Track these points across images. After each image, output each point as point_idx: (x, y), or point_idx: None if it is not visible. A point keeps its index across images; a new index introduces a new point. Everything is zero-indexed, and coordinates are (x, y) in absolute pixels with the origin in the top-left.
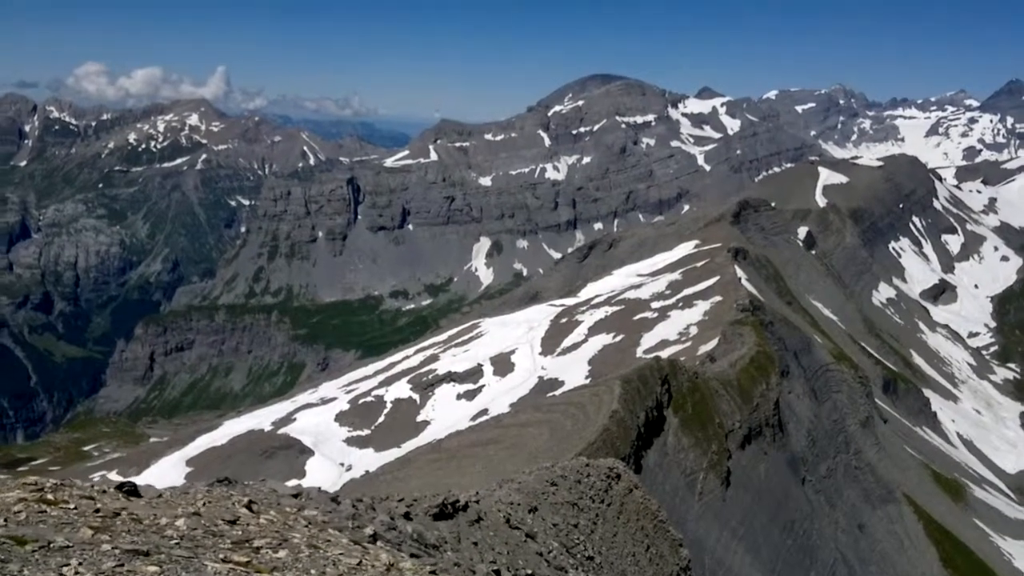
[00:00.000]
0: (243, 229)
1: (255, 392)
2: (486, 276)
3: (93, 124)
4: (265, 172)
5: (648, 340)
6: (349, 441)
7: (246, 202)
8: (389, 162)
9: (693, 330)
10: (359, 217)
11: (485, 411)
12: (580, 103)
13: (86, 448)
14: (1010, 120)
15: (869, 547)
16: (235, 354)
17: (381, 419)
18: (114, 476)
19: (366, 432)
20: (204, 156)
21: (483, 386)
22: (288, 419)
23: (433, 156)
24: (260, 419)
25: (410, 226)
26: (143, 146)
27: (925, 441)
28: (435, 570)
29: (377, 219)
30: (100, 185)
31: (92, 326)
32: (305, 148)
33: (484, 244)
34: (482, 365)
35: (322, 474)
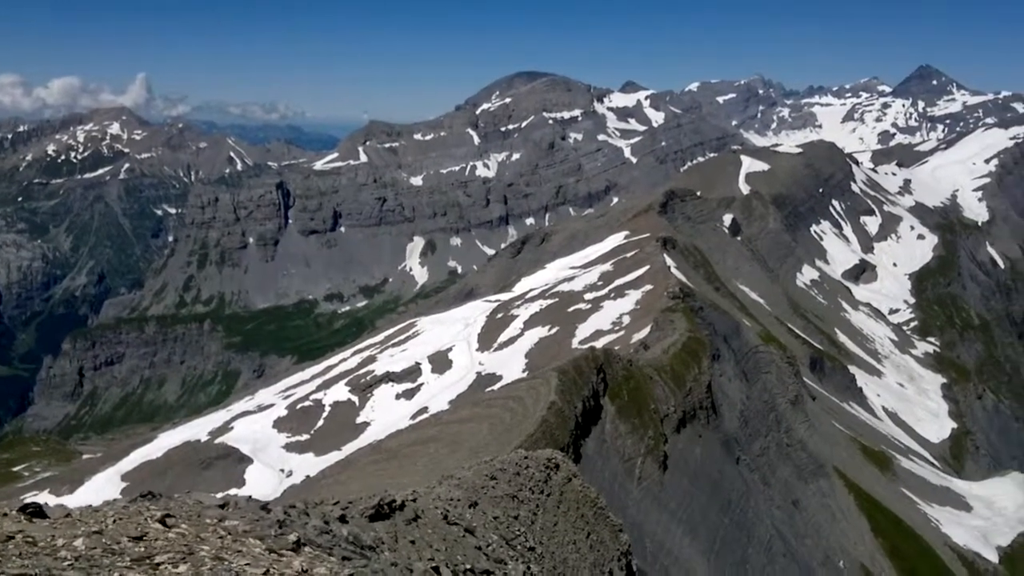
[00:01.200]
0: (171, 238)
1: (190, 403)
2: (421, 275)
3: (9, 136)
4: (191, 179)
5: (583, 331)
6: (288, 447)
7: (172, 211)
8: (318, 165)
9: (626, 319)
10: (290, 221)
11: (425, 409)
12: (507, 100)
13: (16, 469)
14: (921, 104)
15: (803, 521)
16: (167, 365)
17: (320, 423)
18: (46, 496)
19: (305, 437)
20: (127, 165)
21: (422, 385)
22: (225, 428)
23: (363, 158)
24: (196, 430)
25: (342, 228)
26: (63, 157)
27: (852, 416)
28: (354, 572)
29: (308, 223)
30: (19, 199)
31: (17, 343)
32: (232, 154)
33: (418, 243)
34: (420, 364)
35: (262, 482)
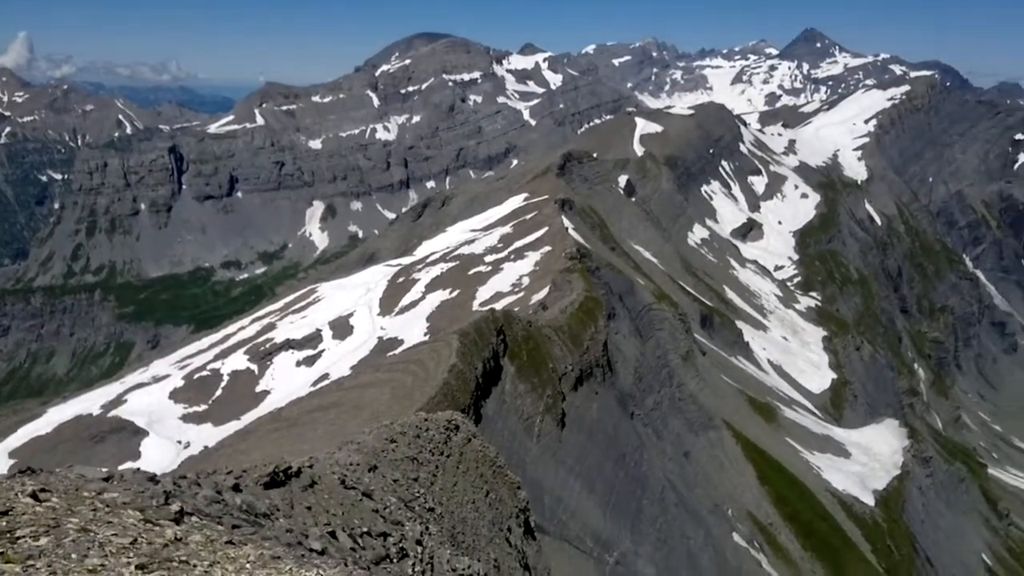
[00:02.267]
0: (57, 205)
1: (81, 376)
2: (321, 240)
3: None
4: (78, 143)
5: (483, 293)
6: (186, 418)
7: (58, 176)
8: (213, 128)
9: (525, 281)
10: (184, 187)
11: (326, 376)
12: (407, 62)
13: None
14: (806, 67)
15: (694, 472)
16: (56, 338)
17: (219, 393)
18: None
19: (203, 407)
20: (8, 129)
21: (323, 351)
22: (119, 401)
23: (260, 120)
24: (88, 403)
25: (239, 194)
26: None
27: (740, 369)
28: (233, 540)
29: (204, 188)
30: None
31: None
32: (121, 117)
33: (317, 208)
34: (320, 330)
35: (158, 454)
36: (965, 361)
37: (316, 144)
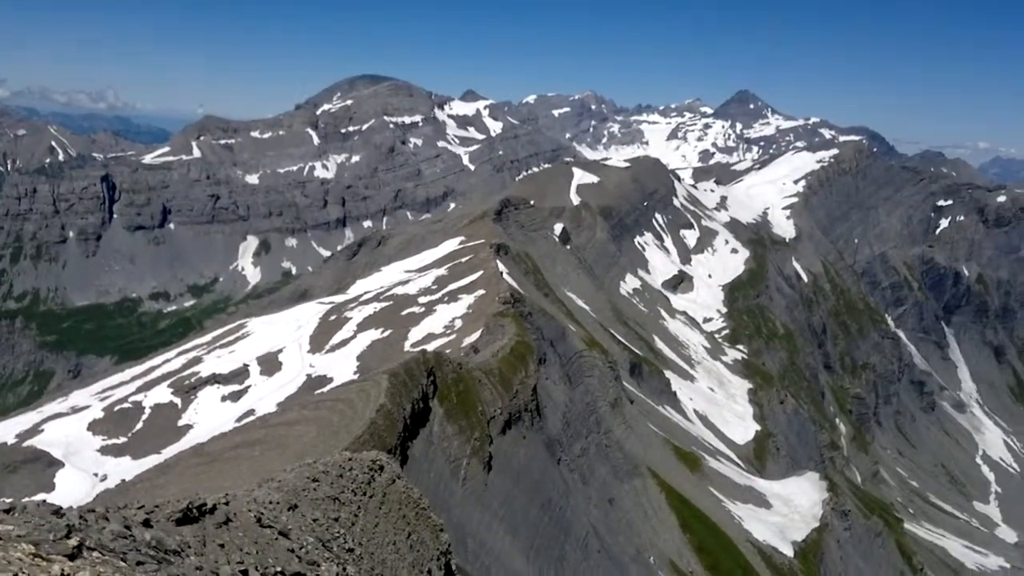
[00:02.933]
0: None
1: None
2: (253, 275)
3: None
4: (8, 168)
5: (415, 334)
6: (104, 450)
7: None
8: (148, 159)
9: (458, 323)
10: (115, 216)
11: (251, 412)
12: (349, 102)
13: None
14: (739, 126)
15: (618, 519)
16: None
17: (139, 426)
18: None
19: (123, 440)
20: None
21: (249, 387)
22: (35, 430)
23: (196, 153)
24: (2, 432)
25: (172, 225)
26: None
27: (666, 418)
28: None
29: (135, 218)
30: None
31: None
32: (54, 143)
33: (251, 243)
34: (248, 365)
35: (73, 486)
36: (885, 418)
37: (253, 179)
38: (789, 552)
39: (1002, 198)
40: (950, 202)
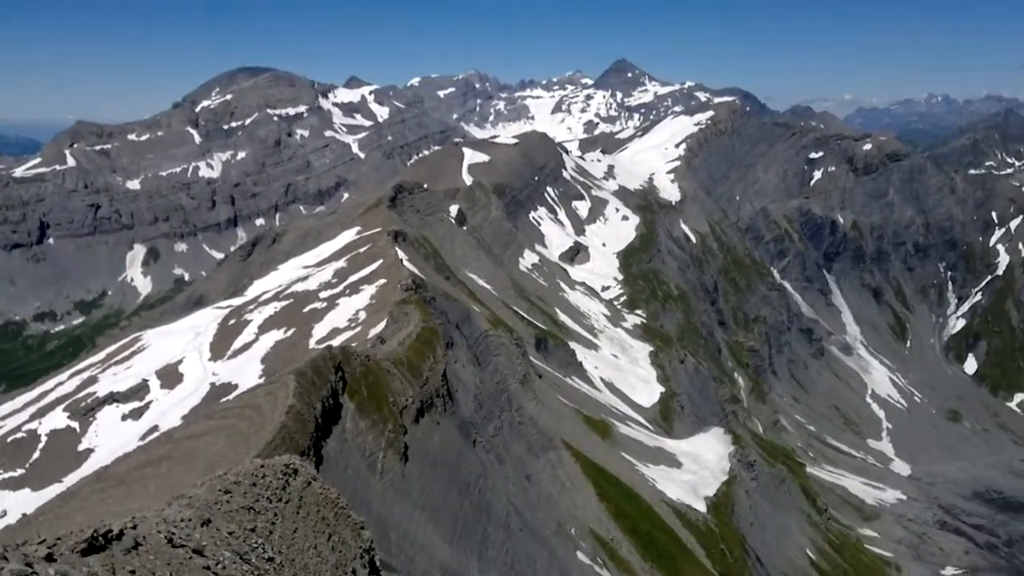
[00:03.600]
0: None
1: None
2: (144, 285)
3: None
4: None
5: (320, 330)
6: (0, 485)
7: None
8: (19, 172)
9: (362, 315)
10: None
11: (155, 428)
12: (228, 97)
13: None
14: (619, 95)
15: (536, 494)
16: None
17: (36, 455)
18: None
19: (20, 472)
20: None
21: (150, 402)
22: None
23: (71, 162)
24: None
25: (51, 240)
26: None
27: (575, 389)
28: None
29: (10, 236)
30: None
31: None
32: None
33: (139, 252)
34: (147, 380)
35: None
36: (779, 367)
37: (134, 184)
38: (702, 508)
39: (868, 146)
40: (821, 154)
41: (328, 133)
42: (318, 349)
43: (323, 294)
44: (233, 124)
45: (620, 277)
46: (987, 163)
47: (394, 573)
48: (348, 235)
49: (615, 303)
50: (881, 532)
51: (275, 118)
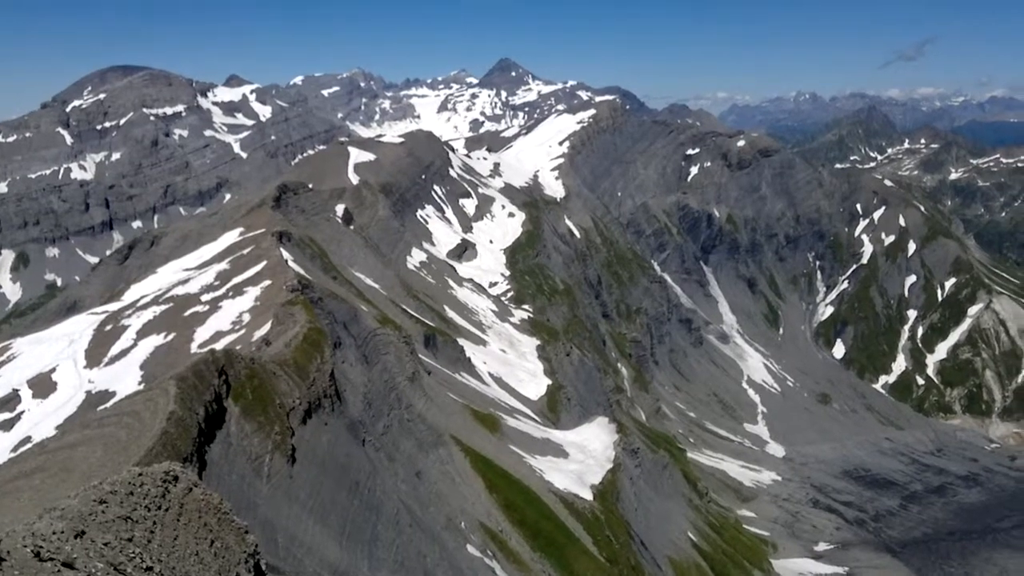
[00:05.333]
0: None
1: None
2: (13, 292)
3: None
4: None
5: (202, 334)
6: None
7: None
8: None
9: (246, 317)
10: None
11: (28, 439)
12: (102, 96)
13: None
14: (504, 94)
15: (427, 490)
16: None
17: None
18: None
19: None
20: None
21: (22, 413)
22: None
23: None
24: None
25: None
26: None
27: (464, 385)
28: None
29: None
30: None
31: None
32: None
33: (7, 257)
34: (18, 390)
35: None
36: (660, 356)
37: (1, 187)
38: (588, 496)
39: (741, 142)
40: (697, 150)
41: (208, 133)
42: (200, 353)
43: (205, 297)
44: (107, 124)
45: (507, 273)
46: (852, 157)
47: None
48: (231, 236)
49: (502, 299)
50: (758, 512)
51: (151, 118)
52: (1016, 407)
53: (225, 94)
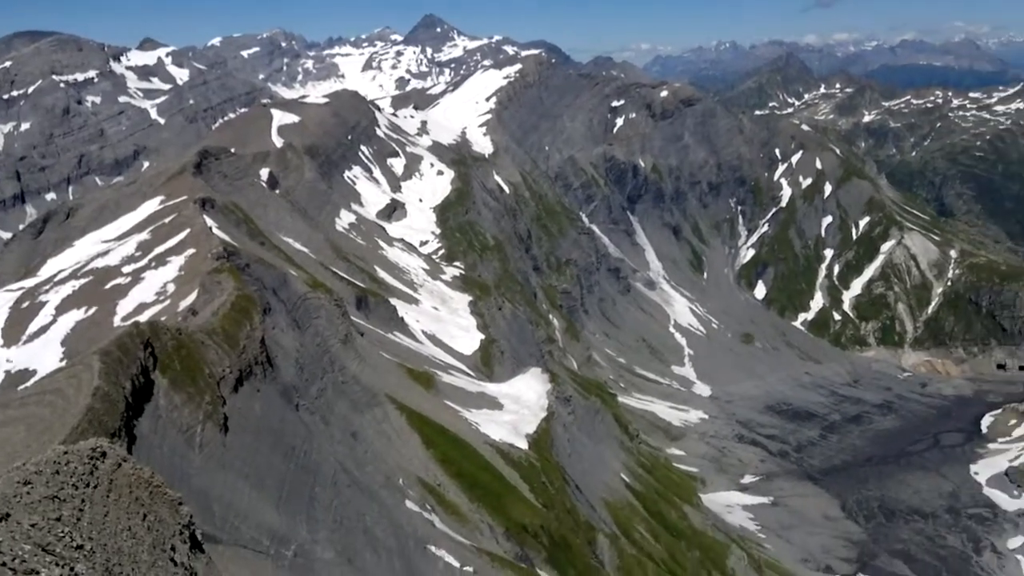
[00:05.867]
0: None
1: None
2: None
3: None
4: None
5: (125, 306)
6: None
7: None
8: None
9: (171, 287)
10: None
11: None
12: (7, 64)
13: None
14: (429, 51)
15: (363, 450)
16: None
17: None
18: None
19: None
20: None
21: None
22: None
23: None
24: None
25: None
26: None
27: (397, 344)
28: None
29: None
30: None
31: None
32: None
33: None
34: None
35: None
36: (590, 306)
37: None
38: (524, 445)
39: (664, 93)
40: (622, 102)
41: (123, 99)
42: (124, 326)
43: (126, 268)
44: (14, 93)
45: (437, 231)
46: (771, 104)
47: (220, 544)
48: (151, 205)
49: (433, 257)
50: (687, 450)
51: (62, 85)
52: (926, 337)
53: (139, 58)
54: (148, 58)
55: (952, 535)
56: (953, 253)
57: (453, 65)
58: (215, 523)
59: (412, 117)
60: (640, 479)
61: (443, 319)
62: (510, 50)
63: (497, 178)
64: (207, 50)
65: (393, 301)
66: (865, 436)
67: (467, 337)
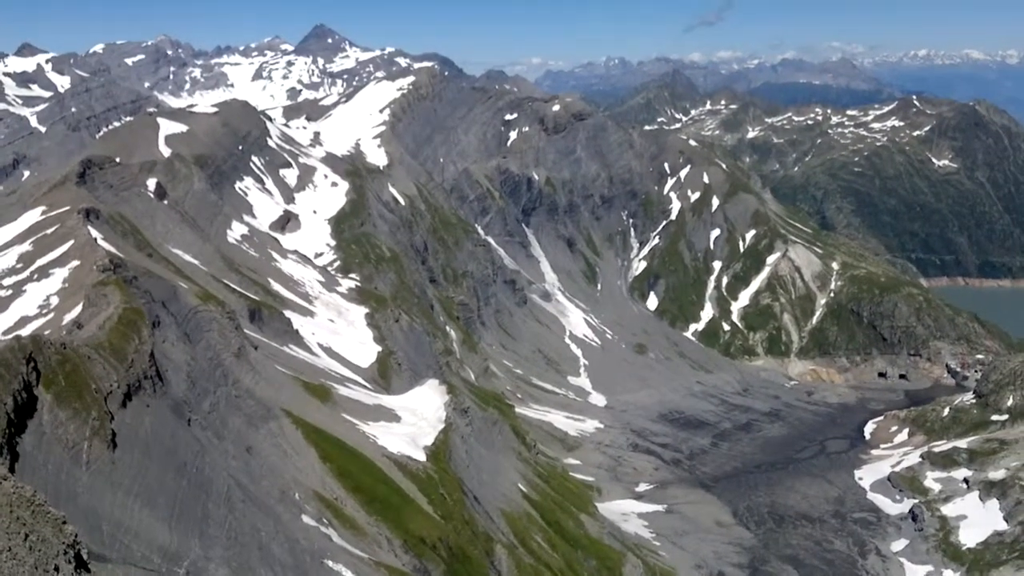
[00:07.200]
0: None
1: None
2: None
3: None
4: None
5: (5, 320)
6: None
7: None
8: None
9: (54, 300)
10: None
11: None
12: None
13: None
14: (321, 62)
15: (258, 465)
16: None
17: None
18: None
19: None
20: None
21: None
22: None
23: None
24: None
25: None
26: None
27: (293, 357)
28: None
29: None
30: None
31: None
32: None
33: None
34: None
35: None
36: (487, 317)
37: None
38: (422, 457)
39: (556, 107)
40: (515, 115)
41: (0, 106)
42: (5, 340)
43: (7, 281)
44: None
45: (333, 243)
46: (659, 119)
47: (109, 563)
48: (32, 216)
49: (329, 269)
50: (583, 460)
51: None
52: (811, 346)
53: (17, 64)
54: (27, 64)
55: (839, 539)
56: (835, 265)
57: (345, 76)
58: (103, 542)
59: (305, 128)
60: (537, 489)
61: (339, 331)
62: (403, 62)
63: (392, 190)
64: (89, 57)
65: (288, 313)
66: (755, 443)
67: (364, 349)
